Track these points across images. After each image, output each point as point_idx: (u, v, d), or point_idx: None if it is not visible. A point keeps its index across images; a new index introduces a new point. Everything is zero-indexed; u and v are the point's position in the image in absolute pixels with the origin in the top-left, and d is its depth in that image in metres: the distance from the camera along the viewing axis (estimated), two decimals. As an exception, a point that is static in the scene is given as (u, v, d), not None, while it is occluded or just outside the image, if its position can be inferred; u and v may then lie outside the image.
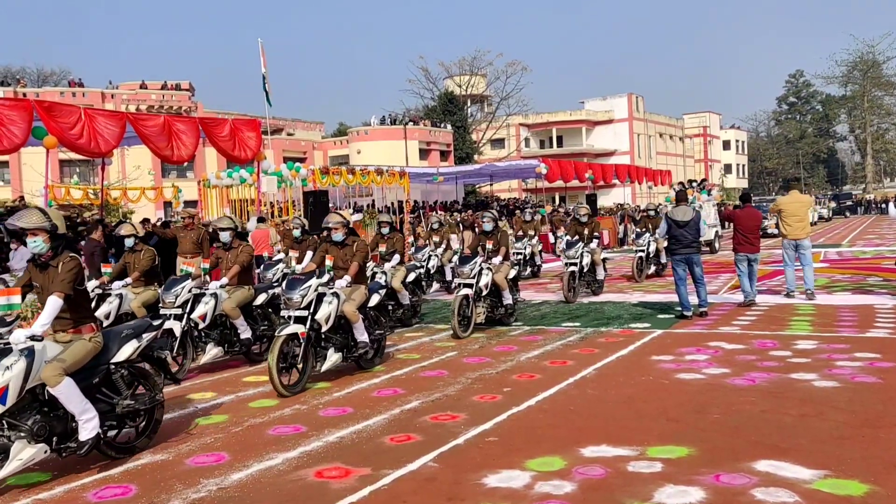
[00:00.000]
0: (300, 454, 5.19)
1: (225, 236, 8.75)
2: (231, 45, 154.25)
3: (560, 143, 66.31)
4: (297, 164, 21.18)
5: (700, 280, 10.56)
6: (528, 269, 17.36)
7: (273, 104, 22.29)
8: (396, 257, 10.94)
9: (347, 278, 7.50)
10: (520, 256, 17.05)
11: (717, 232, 24.21)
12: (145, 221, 19.65)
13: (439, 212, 27.69)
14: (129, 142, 14.30)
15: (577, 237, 13.46)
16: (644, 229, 16.53)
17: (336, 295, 7.46)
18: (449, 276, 15.64)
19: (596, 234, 13.53)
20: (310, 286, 7.23)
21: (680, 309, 10.48)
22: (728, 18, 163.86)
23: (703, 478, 4.37)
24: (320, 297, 7.33)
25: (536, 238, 17.78)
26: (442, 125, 50.87)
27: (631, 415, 5.79)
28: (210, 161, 37.76)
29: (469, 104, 59.44)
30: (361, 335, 7.69)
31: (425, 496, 4.34)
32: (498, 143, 62.05)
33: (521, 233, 18.25)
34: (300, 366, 7.08)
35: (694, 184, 24.73)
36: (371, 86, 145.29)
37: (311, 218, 18.06)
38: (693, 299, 10.52)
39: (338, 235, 8.06)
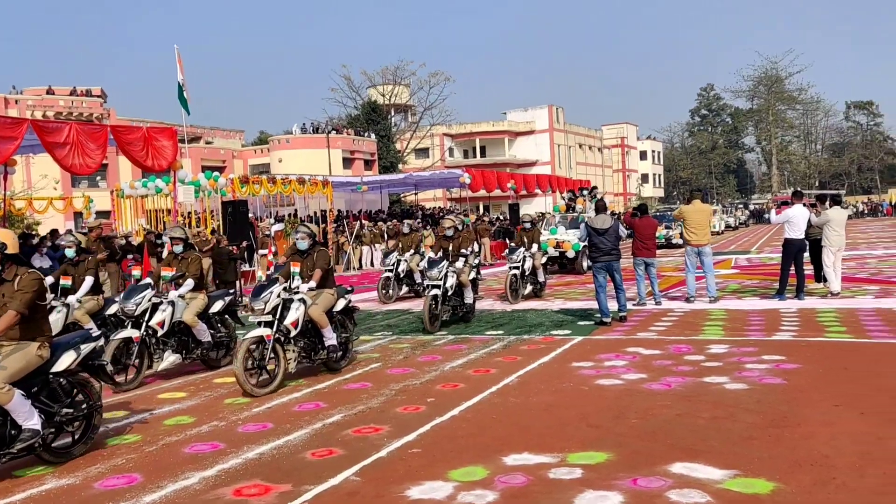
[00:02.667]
0: (218, 472, 5.04)
1: None
2: (149, 51, 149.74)
3: (483, 154, 67.05)
4: (216, 173, 20.71)
5: (620, 287, 10.86)
6: (407, 288, 15.62)
7: (191, 112, 21.74)
8: (188, 283, 8.48)
9: None
10: (388, 275, 15.22)
11: None
12: (90, 229, 18.70)
13: (354, 221, 27.47)
14: (35, 150, 13.66)
15: (441, 254, 11.69)
16: (519, 244, 14.45)
17: None
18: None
19: (464, 250, 11.71)
20: None
21: (599, 315, 10.72)
22: (644, 32, 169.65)
23: (622, 482, 4.47)
24: None
25: (413, 251, 15.43)
26: (365, 134, 50.68)
27: (552, 422, 5.88)
28: (124, 170, 36.47)
29: (393, 113, 59.41)
30: (27, 420, 5.09)
31: (347, 511, 4.28)
32: (422, 152, 62.23)
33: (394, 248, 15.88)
34: None
35: (585, 192, 22.61)
36: (292, 94, 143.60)
37: (231, 229, 17.67)
38: (617, 304, 10.84)
39: None
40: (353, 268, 24.79)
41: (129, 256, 15.75)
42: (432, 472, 4.80)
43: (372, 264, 25.26)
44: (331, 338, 8.09)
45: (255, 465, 5.17)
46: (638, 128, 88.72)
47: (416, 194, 45.61)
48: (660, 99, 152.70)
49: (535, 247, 14.33)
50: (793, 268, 12.02)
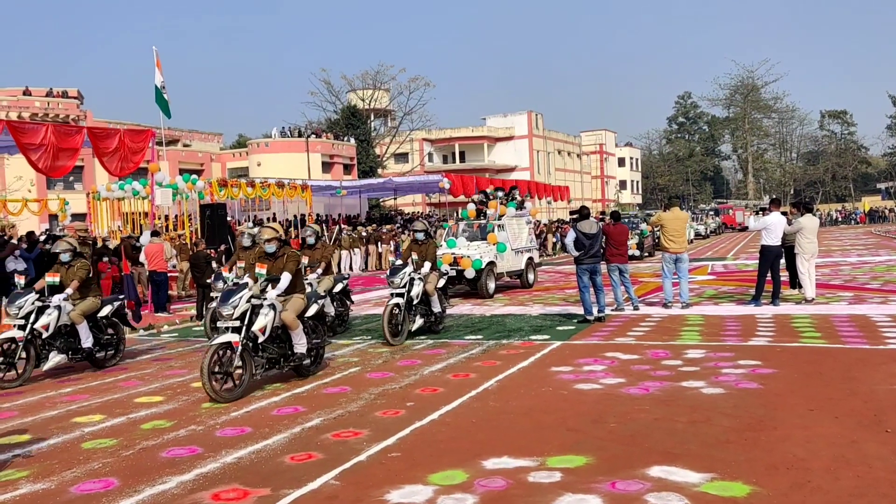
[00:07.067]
0: (196, 476, 4.99)
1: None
2: (126, 53, 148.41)
3: (462, 159, 67.20)
4: (194, 176, 20.56)
5: (600, 288, 11.44)
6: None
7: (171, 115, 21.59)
8: None
9: None
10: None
11: (530, 259, 17.43)
12: (30, 233, 18.53)
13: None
14: (10, 150, 13.47)
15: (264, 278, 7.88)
16: (407, 261, 10.72)
17: None
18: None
19: (284, 272, 7.86)
20: None
21: (583, 314, 11.36)
22: (623, 40, 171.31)
23: (600, 485, 4.50)
24: None
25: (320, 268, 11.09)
26: (345, 138, 50.59)
27: (531, 426, 5.90)
28: (100, 172, 36.02)
29: (372, 118, 59.37)
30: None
31: (327, 515, 4.26)
32: (402, 157, 62.25)
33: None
34: None
35: (500, 193, 17.81)
36: (272, 97, 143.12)
37: (209, 232, 17.54)
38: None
39: None
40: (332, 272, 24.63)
41: (105, 259, 15.58)
42: (412, 476, 4.79)
43: (351, 269, 25.20)
44: None
45: (233, 469, 5.13)
46: (616, 135, 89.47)
47: (395, 199, 45.65)
48: (638, 106, 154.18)
49: (426, 266, 10.67)
50: (769, 274, 12.16)
